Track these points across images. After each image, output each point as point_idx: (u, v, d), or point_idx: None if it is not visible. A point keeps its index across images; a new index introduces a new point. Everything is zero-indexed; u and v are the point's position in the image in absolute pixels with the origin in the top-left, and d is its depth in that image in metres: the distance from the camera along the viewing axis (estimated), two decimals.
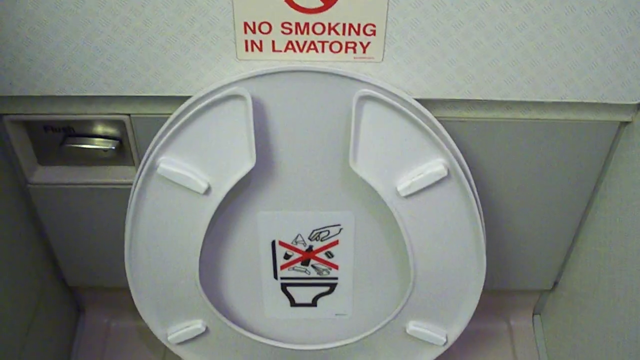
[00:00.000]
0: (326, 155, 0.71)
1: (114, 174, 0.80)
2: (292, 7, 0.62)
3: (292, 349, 0.86)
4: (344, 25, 0.64)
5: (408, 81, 0.68)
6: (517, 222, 0.84)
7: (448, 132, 0.70)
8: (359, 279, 0.82)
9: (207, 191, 0.70)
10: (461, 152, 0.71)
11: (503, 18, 0.63)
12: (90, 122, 0.75)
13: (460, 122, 0.72)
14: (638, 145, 0.73)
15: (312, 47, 0.65)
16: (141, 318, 0.83)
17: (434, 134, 0.67)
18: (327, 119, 0.68)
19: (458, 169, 0.69)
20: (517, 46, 0.65)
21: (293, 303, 0.86)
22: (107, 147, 0.76)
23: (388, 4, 0.62)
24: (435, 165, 0.69)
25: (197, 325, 0.83)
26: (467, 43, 0.65)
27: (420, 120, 0.67)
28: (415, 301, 0.79)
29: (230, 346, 0.86)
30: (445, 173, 0.69)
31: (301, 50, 0.65)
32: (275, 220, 0.77)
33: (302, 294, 0.85)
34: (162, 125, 0.70)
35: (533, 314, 1.04)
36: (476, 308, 0.80)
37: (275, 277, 0.83)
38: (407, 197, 0.71)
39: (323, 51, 0.65)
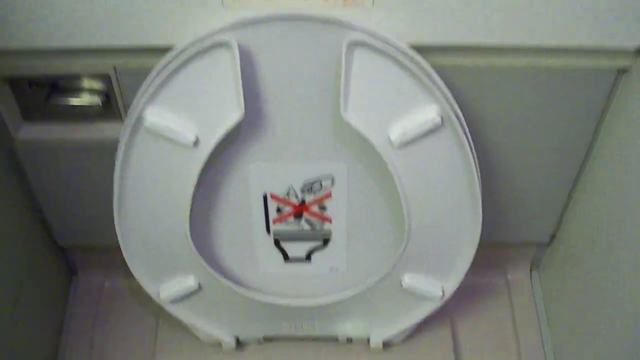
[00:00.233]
0: (317, 104, 0.70)
1: (102, 130, 0.79)
2: None
3: (287, 305, 0.85)
4: None
5: (400, 27, 0.66)
6: (514, 172, 0.83)
7: (442, 80, 0.68)
8: (353, 232, 0.82)
9: (196, 143, 0.69)
10: (456, 101, 0.69)
11: None
12: (76, 77, 0.74)
13: (454, 69, 0.71)
14: (637, 94, 0.72)
15: None
16: (135, 278, 0.82)
17: (427, 81, 0.66)
18: (318, 67, 0.66)
19: (452, 117, 0.68)
20: None
21: (287, 258, 0.85)
22: (94, 103, 0.75)
23: None
24: (428, 113, 0.67)
25: (190, 282, 0.83)
26: None
27: (413, 67, 0.65)
28: (411, 254, 0.78)
29: (224, 303, 0.86)
30: (439, 121, 0.67)
31: None
32: (266, 173, 0.76)
33: (296, 249, 0.84)
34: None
35: (531, 270, 1.05)
36: (473, 263, 0.80)
37: (268, 231, 0.82)
38: (400, 147, 0.69)
39: None
